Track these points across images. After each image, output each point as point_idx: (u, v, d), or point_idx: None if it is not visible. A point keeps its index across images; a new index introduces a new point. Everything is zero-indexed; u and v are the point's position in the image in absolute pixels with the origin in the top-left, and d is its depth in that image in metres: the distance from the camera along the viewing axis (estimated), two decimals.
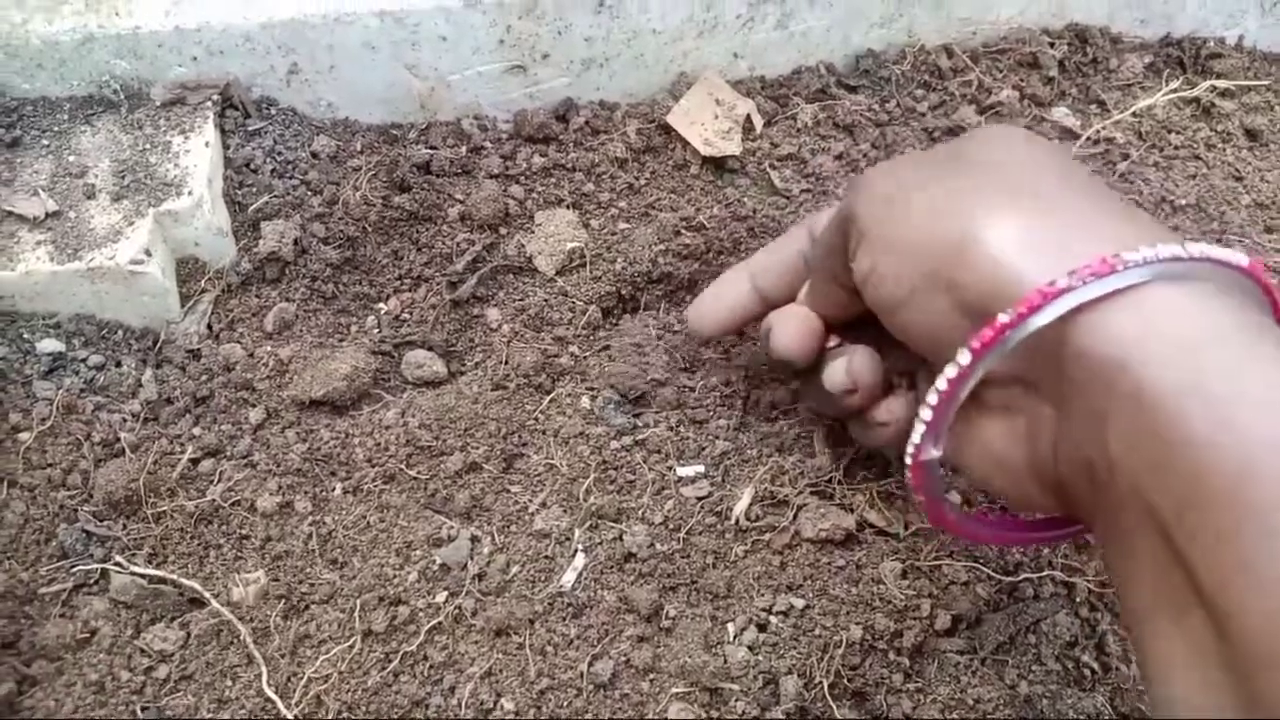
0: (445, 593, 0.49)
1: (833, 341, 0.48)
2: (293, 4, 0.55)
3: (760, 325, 0.49)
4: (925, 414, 0.37)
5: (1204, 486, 0.28)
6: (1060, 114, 0.65)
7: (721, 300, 0.52)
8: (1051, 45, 0.65)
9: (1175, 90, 0.63)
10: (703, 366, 0.56)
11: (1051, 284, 0.32)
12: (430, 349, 0.56)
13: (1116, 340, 0.31)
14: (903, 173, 0.40)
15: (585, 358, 0.56)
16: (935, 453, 0.38)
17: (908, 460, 0.39)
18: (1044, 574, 0.49)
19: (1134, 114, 0.65)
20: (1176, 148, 0.64)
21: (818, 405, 0.51)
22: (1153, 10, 0.67)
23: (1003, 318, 0.33)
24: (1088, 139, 0.64)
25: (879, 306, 0.40)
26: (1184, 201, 0.62)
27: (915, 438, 0.38)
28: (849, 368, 0.45)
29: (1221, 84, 0.66)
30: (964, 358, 0.34)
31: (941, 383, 0.36)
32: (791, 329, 0.47)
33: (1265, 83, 0.68)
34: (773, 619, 0.48)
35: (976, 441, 0.39)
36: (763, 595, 0.48)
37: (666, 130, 0.61)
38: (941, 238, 0.36)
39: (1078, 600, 0.49)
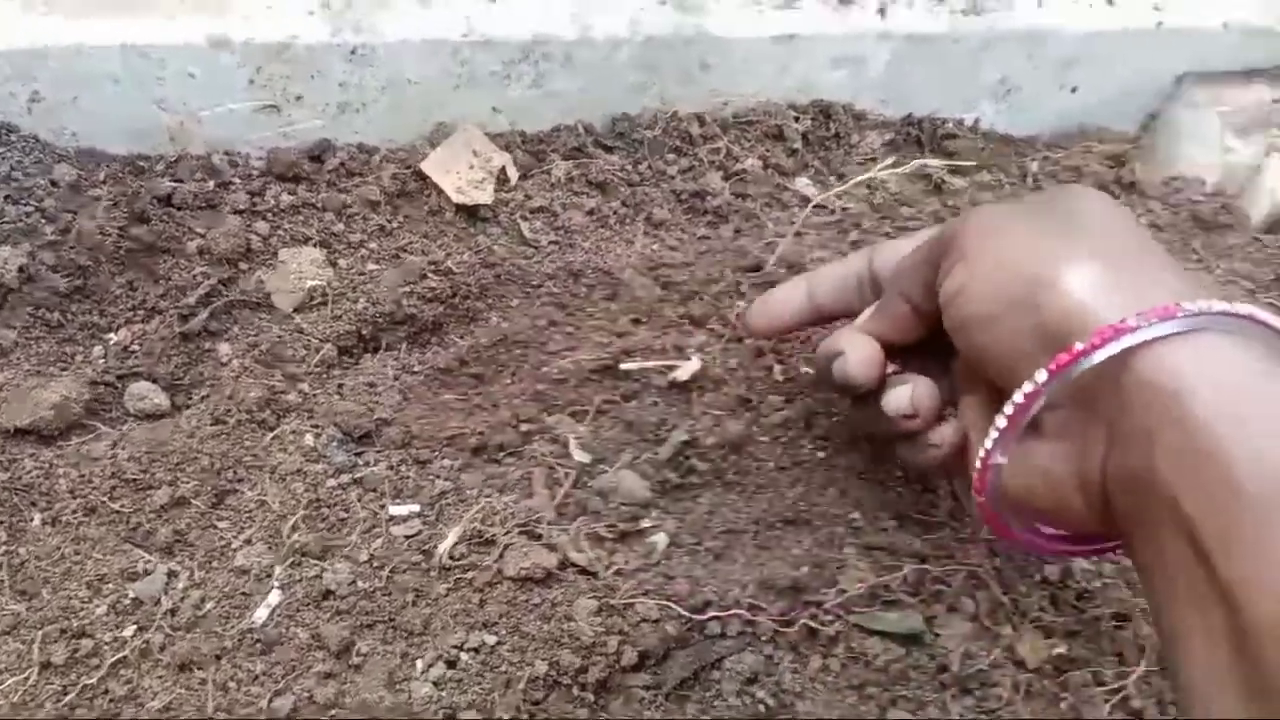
0: (134, 626, 0.49)
1: (890, 368, 0.51)
2: (33, 33, 0.55)
3: (819, 348, 0.53)
4: (1000, 422, 0.42)
5: (1232, 497, 0.34)
6: (802, 184, 0.69)
7: (779, 302, 0.56)
8: (797, 119, 0.70)
9: (895, 165, 0.68)
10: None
11: (1123, 321, 0.37)
12: (154, 381, 0.56)
13: (1172, 373, 0.37)
14: (1006, 212, 0.45)
15: (314, 395, 0.57)
16: (1002, 459, 0.43)
17: (976, 465, 0.43)
18: (731, 613, 0.52)
19: (868, 186, 0.70)
20: (907, 219, 0.69)
21: (871, 426, 0.54)
22: (895, 92, 0.73)
23: (1078, 345, 0.38)
24: (822, 207, 0.68)
25: (962, 322, 0.44)
26: None
27: (987, 443, 0.43)
28: (913, 395, 0.49)
29: (940, 163, 0.71)
30: (1041, 375, 0.39)
31: (1019, 396, 0.40)
32: (864, 354, 0.50)
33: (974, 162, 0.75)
34: (463, 655, 0.49)
35: (1026, 459, 0.43)
36: (456, 632, 0.49)
37: (423, 176, 0.63)
38: (1033, 270, 0.41)
39: (762, 638, 0.52)
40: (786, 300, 0.57)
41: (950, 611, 0.54)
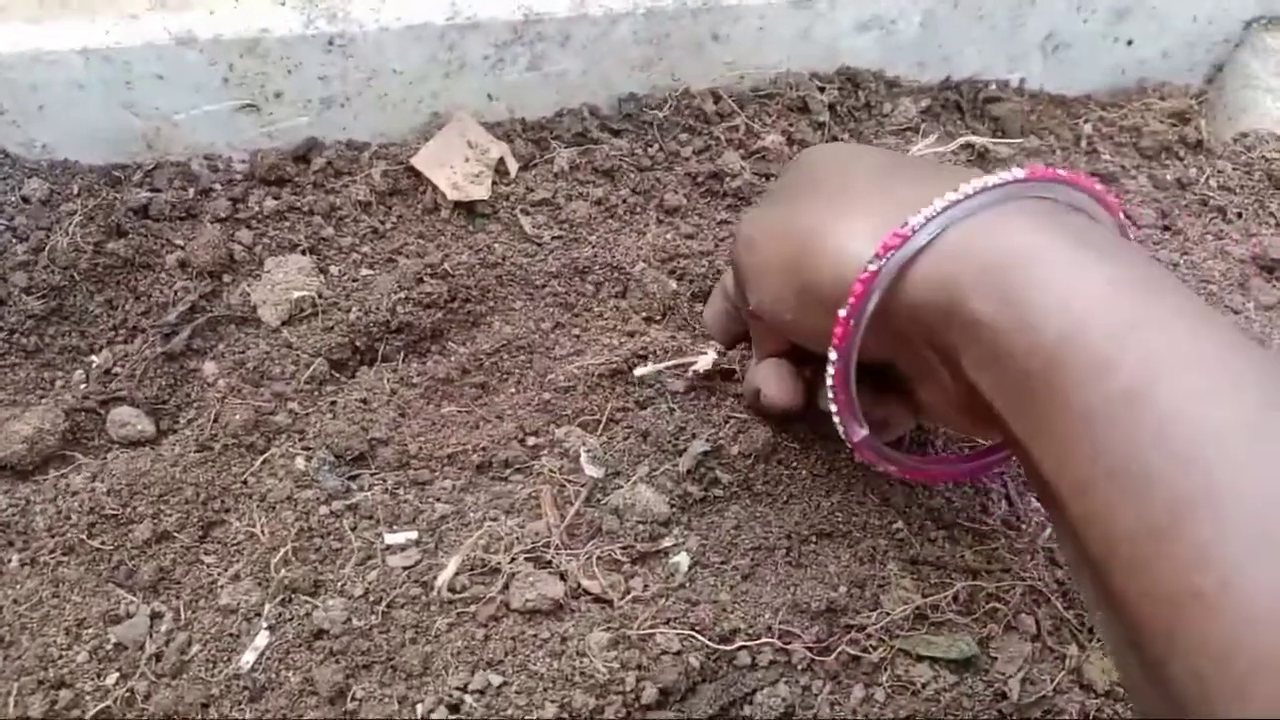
0: (117, 674, 0.45)
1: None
2: None
3: (745, 387, 0.52)
4: (831, 407, 0.42)
5: (1027, 389, 0.33)
6: None
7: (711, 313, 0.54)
8: (822, 90, 0.64)
9: (938, 144, 0.62)
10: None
11: (865, 270, 0.36)
12: (137, 406, 0.52)
13: (938, 289, 0.36)
14: (755, 213, 0.45)
15: (305, 415, 0.53)
16: (863, 431, 0.43)
17: (850, 447, 0.44)
18: (761, 641, 0.47)
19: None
20: None
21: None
22: (930, 54, 0.66)
23: (841, 313, 0.38)
24: None
25: (779, 331, 0.45)
26: None
27: (841, 429, 0.43)
28: (764, 394, 0.49)
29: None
30: (833, 355, 0.39)
31: (828, 380, 0.40)
32: (779, 385, 0.49)
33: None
34: (467, 698, 0.45)
35: (922, 400, 0.44)
36: (459, 672, 0.45)
37: (416, 173, 0.58)
38: (794, 255, 0.41)
39: (797, 668, 0.47)
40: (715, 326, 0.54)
41: (1007, 631, 0.49)
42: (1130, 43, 0.69)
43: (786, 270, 0.41)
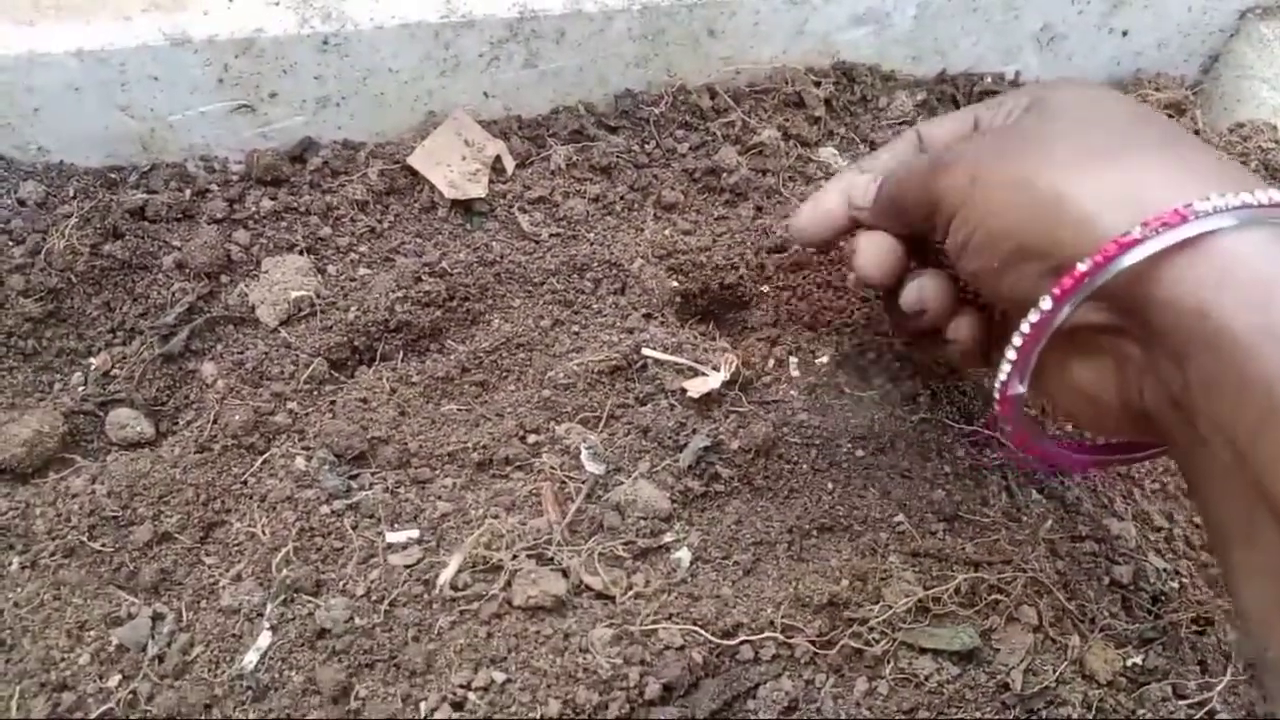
0: (119, 676, 0.45)
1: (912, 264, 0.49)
2: None
3: (847, 248, 0.51)
4: (1010, 354, 0.40)
5: (1272, 419, 0.31)
6: (827, 154, 0.64)
7: (817, 212, 0.52)
8: (817, 84, 0.64)
9: None
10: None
11: (1126, 234, 0.34)
12: (136, 407, 0.52)
13: (1194, 288, 0.33)
14: (978, 151, 0.42)
15: (305, 414, 0.53)
16: (1021, 389, 0.41)
17: (995, 395, 0.42)
18: (764, 635, 0.47)
19: None
20: None
21: (896, 326, 0.53)
22: (924, 47, 0.66)
23: (1081, 267, 0.35)
24: None
25: (977, 276, 0.42)
26: None
27: (1002, 375, 0.41)
28: (920, 291, 0.47)
29: None
30: (1046, 303, 0.37)
31: (1025, 326, 0.38)
32: (875, 251, 0.48)
33: None
34: (470, 695, 0.44)
35: (1067, 378, 0.41)
36: (462, 670, 0.45)
37: (413, 171, 0.58)
38: (1031, 205, 0.38)
39: (800, 662, 0.47)
40: (821, 208, 0.52)
41: (1009, 623, 0.49)
42: (1125, 33, 0.69)
43: (1010, 221, 0.39)
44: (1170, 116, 0.70)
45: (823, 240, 0.52)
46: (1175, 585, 0.50)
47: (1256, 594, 0.34)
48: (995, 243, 0.40)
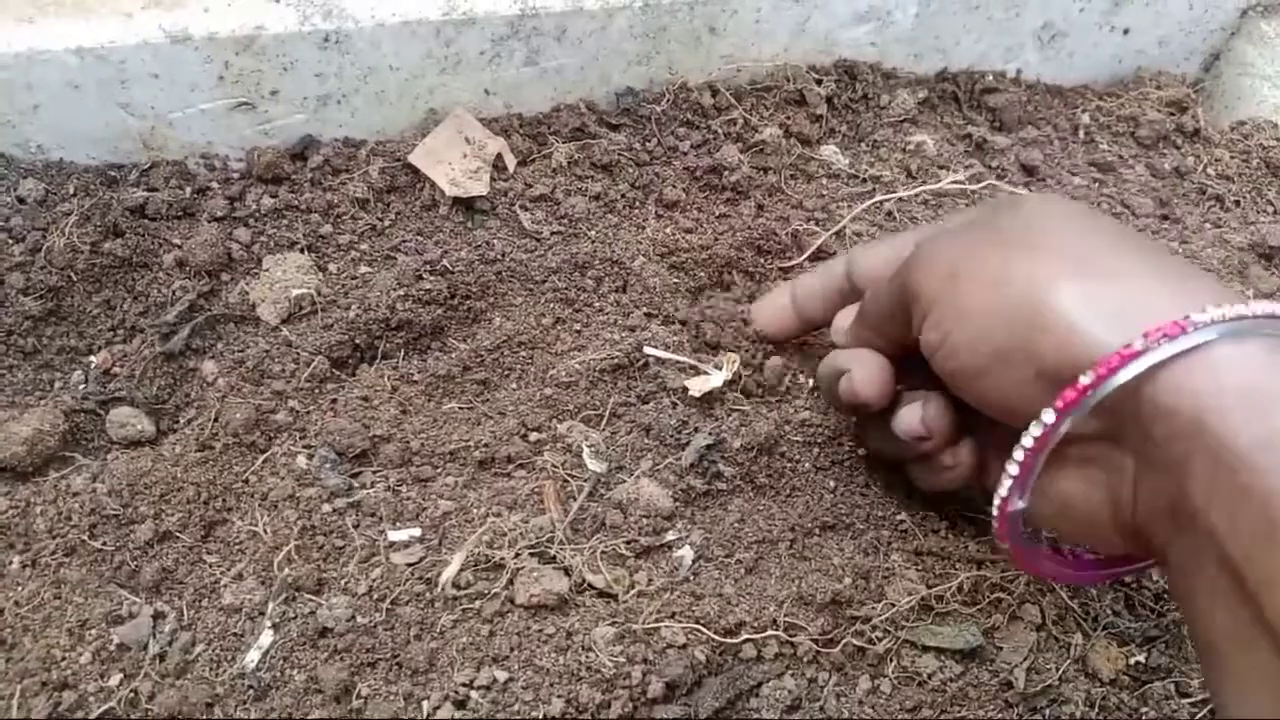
0: (120, 675, 0.45)
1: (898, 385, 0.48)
2: None
3: (823, 365, 0.50)
4: (1012, 469, 0.39)
5: (1269, 533, 0.31)
6: (829, 152, 0.63)
7: (766, 315, 0.56)
8: (819, 82, 0.64)
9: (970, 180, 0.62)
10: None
11: (1128, 347, 0.34)
12: (137, 406, 0.52)
13: (1191, 397, 0.34)
14: (957, 246, 0.42)
15: (307, 413, 0.53)
16: (1020, 504, 0.40)
17: (994, 511, 0.41)
18: (767, 634, 0.47)
19: (903, 150, 0.64)
20: (950, 185, 0.63)
21: (881, 447, 0.51)
22: (926, 45, 0.66)
23: (1084, 380, 0.35)
24: (853, 176, 0.62)
25: (953, 376, 0.41)
26: None
27: (1003, 490, 0.40)
28: (924, 416, 0.46)
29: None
30: (1049, 416, 0.36)
31: (1028, 440, 0.38)
32: (871, 371, 0.47)
33: None
34: (473, 694, 0.44)
35: (1054, 491, 0.40)
36: (465, 669, 0.45)
37: (414, 169, 0.58)
38: (1013, 308, 0.38)
39: (803, 660, 0.47)
40: (773, 313, 0.55)
41: (1012, 621, 0.49)
42: (1127, 31, 0.69)
43: (996, 319, 0.38)
44: (1172, 114, 0.70)
45: (773, 339, 0.56)
46: None
47: (1253, 711, 0.33)
48: (973, 345, 0.39)
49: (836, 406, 0.51)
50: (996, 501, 0.40)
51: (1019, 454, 0.38)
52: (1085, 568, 0.45)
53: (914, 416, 0.46)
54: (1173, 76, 0.72)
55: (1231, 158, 0.67)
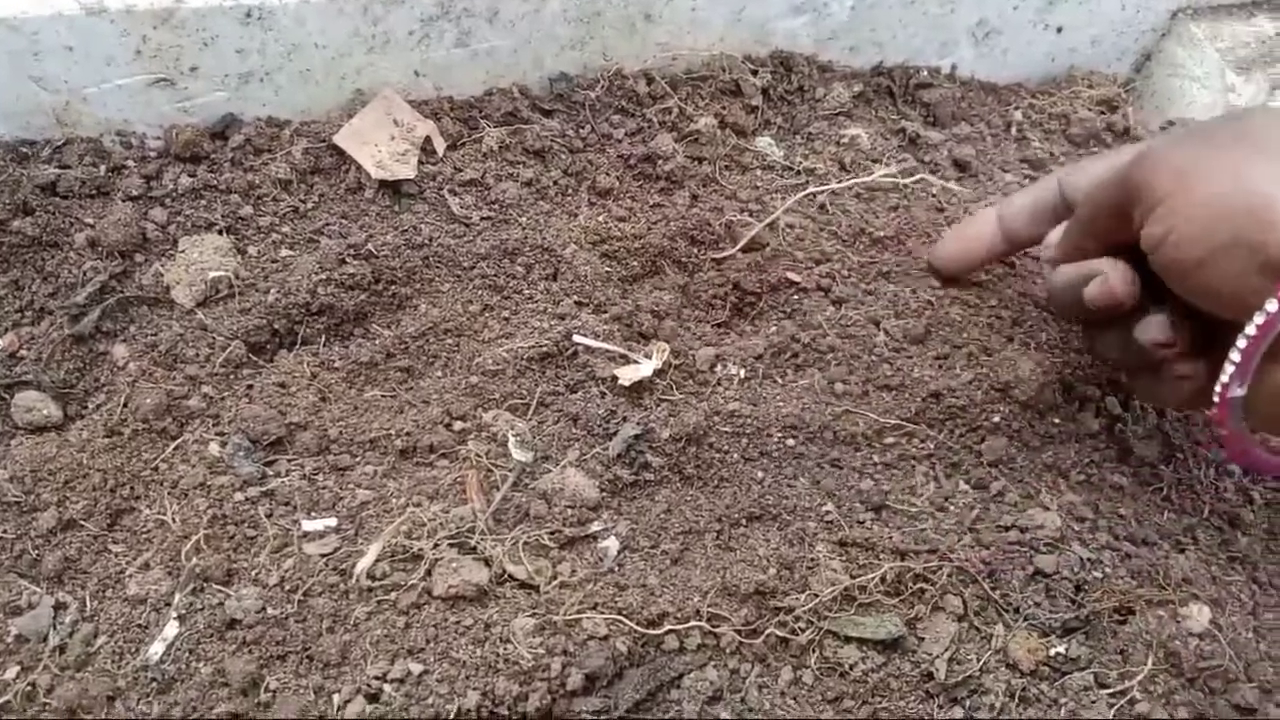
0: (18, 667, 0.43)
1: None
2: None
3: (1059, 274, 0.50)
4: (1235, 355, 0.40)
5: None
6: (764, 143, 0.63)
7: (968, 238, 0.56)
8: (755, 73, 0.63)
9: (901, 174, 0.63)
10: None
11: None
12: (43, 390, 0.50)
13: None
14: (1186, 147, 0.43)
15: (221, 399, 0.51)
16: (1240, 391, 0.41)
17: (1215, 399, 0.42)
18: (690, 625, 0.47)
19: (837, 143, 0.64)
20: (881, 179, 0.63)
21: (1117, 355, 0.51)
22: (861, 39, 0.66)
23: None
24: (788, 168, 0.62)
25: (1175, 267, 0.42)
26: (882, 234, 0.61)
27: (1224, 377, 0.41)
28: (1168, 326, 0.46)
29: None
30: (1272, 305, 0.38)
31: (1251, 328, 0.39)
32: (1126, 273, 0.47)
33: None
34: (386, 687, 0.43)
35: (1270, 382, 0.41)
36: (378, 661, 0.44)
37: (339, 151, 0.57)
38: (1242, 203, 0.39)
39: (726, 651, 0.47)
40: (979, 233, 0.56)
41: (935, 612, 0.49)
42: (1060, 30, 0.70)
43: (1225, 213, 0.39)
44: (1103, 113, 0.70)
45: (968, 266, 0.57)
46: (1098, 575, 0.50)
47: None
48: (1199, 237, 0.40)
49: (1073, 316, 0.53)
50: (1218, 388, 0.42)
51: (1242, 342, 0.40)
52: None
53: (1162, 323, 0.47)
54: (1104, 76, 0.73)
55: None
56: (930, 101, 0.67)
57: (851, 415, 0.54)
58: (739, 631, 0.47)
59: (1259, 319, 0.39)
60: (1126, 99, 0.72)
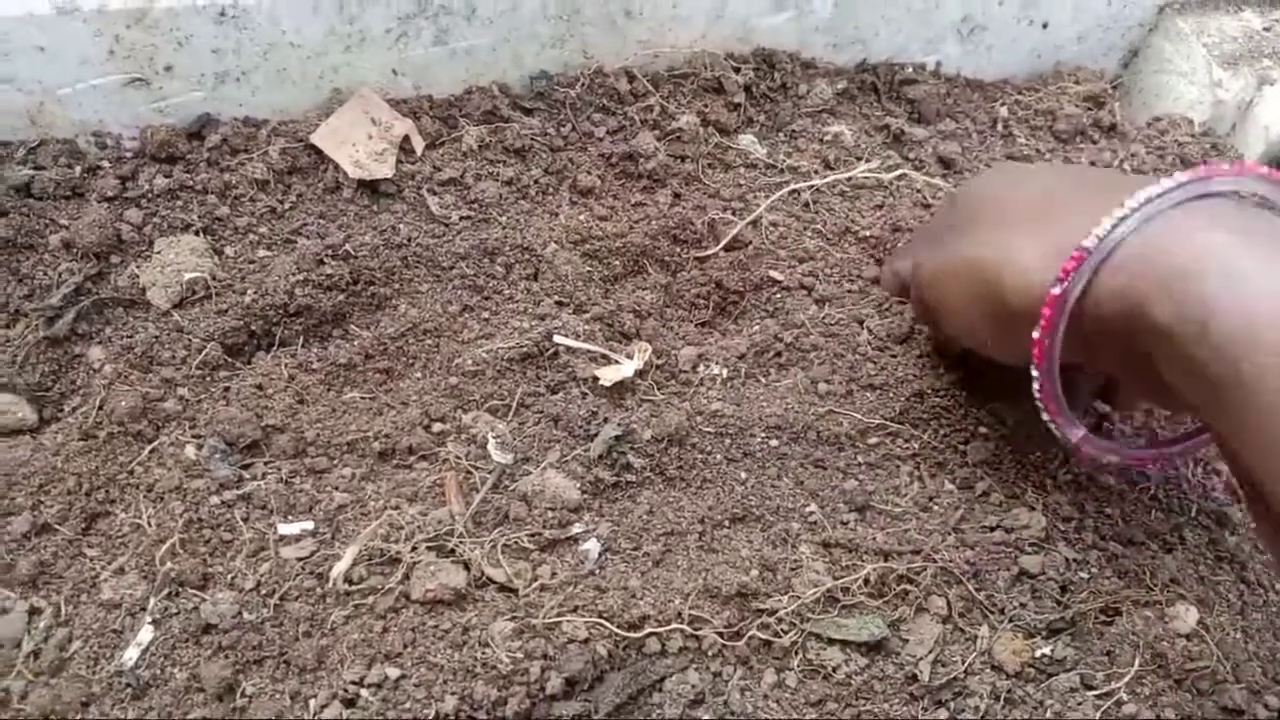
0: None
1: None
2: None
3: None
4: (1044, 417, 0.44)
5: (1220, 392, 0.35)
6: (746, 141, 0.63)
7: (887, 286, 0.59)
8: (737, 70, 0.63)
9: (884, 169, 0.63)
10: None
11: (1049, 294, 0.39)
12: (17, 392, 0.50)
13: (1119, 302, 0.38)
14: (928, 254, 0.49)
15: (197, 401, 0.51)
16: (1079, 431, 0.44)
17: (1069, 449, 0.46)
18: (671, 627, 0.46)
19: (821, 140, 0.63)
20: (864, 177, 0.63)
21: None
22: (845, 35, 0.66)
23: (1035, 334, 0.40)
24: (771, 165, 0.62)
25: (983, 354, 0.48)
26: (867, 233, 0.60)
27: (1059, 435, 0.45)
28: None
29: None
30: (1035, 372, 0.42)
31: (1035, 394, 0.43)
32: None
33: None
34: (363, 692, 0.43)
35: (1128, 393, 0.50)
36: (355, 666, 0.43)
37: (317, 150, 0.56)
38: (973, 293, 0.44)
39: (708, 654, 0.46)
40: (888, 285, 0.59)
41: (919, 613, 0.48)
42: (1045, 26, 0.70)
43: (972, 303, 0.44)
44: (1089, 109, 0.70)
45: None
46: (1084, 575, 0.49)
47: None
48: (971, 324, 0.45)
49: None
50: (1063, 442, 0.45)
51: (1039, 406, 0.43)
52: (1174, 443, 0.48)
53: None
54: (1091, 72, 0.72)
55: (1148, 153, 0.68)
56: (915, 98, 0.67)
57: (835, 415, 0.54)
58: (721, 634, 0.46)
59: (1035, 388, 0.42)
60: (1113, 95, 0.71)
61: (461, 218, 0.57)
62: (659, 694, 0.45)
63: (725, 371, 0.55)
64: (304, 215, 0.56)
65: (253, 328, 0.53)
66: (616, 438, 0.51)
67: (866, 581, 0.48)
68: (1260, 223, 0.37)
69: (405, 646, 0.44)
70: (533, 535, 0.48)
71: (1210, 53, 0.70)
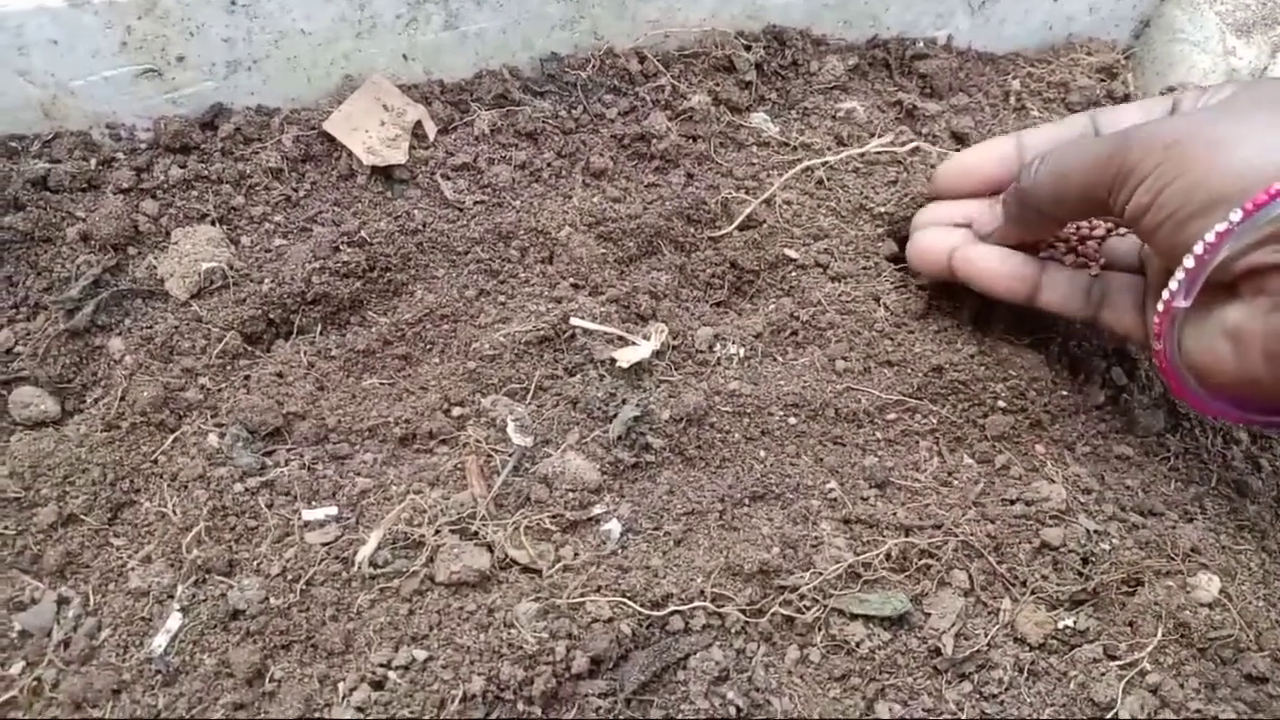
0: (22, 662, 0.43)
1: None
2: None
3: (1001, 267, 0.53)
4: (1189, 261, 0.43)
5: None
6: (758, 119, 0.62)
7: (982, 154, 0.57)
8: (748, 48, 0.63)
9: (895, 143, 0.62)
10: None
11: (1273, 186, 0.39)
12: (40, 385, 0.50)
13: None
14: (1185, 122, 0.46)
15: (218, 390, 0.51)
16: (1184, 303, 0.44)
17: (1159, 306, 0.45)
18: (694, 605, 0.46)
19: (833, 117, 0.63)
20: (878, 153, 0.63)
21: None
22: (856, 11, 0.65)
23: (1261, 197, 0.40)
24: (784, 143, 0.62)
25: (1153, 230, 0.45)
26: (882, 209, 0.60)
27: (1172, 285, 0.44)
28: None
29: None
30: (1235, 215, 0.41)
31: (1199, 247, 0.42)
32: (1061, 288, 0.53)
33: None
34: (390, 674, 0.43)
35: (1210, 326, 0.45)
36: (382, 649, 0.44)
37: (330, 138, 0.56)
38: (1220, 163, 0.43)
39: (731, 631, 0.46)
40: (989, 152, 0.57)
41: (941, 587, 0.49)
42: None
43: (1211, 173, 0.43)
44: (1102, 80, 0.70)
45: (971, 185, 0.57)
46: (1105, 546, 0.49)
47: None
48: (1189, 194, 0.43)
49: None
50: (1164, 296, 0.45)
51: (1199, 247, 0.42)
52: (1226, 404, 0.47)
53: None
54: (1103, 43, 0.72)
55: None
56: (927, 73, 0.67)
57: (853, 392, 0.54)
58: (744, 611, 0.47)
59: (1220, 225, 0.42)
60: (1126, 66, 0.71)
61: (475, 202, 0.57)
62: (684, 671, 0.46)
63: (742, 351, 0.55)
64: (319, 203, 0.56)
65: (271, 316, 0.53)
66: (635, 418, 0.51)
67: (888, 556, 0.48)
68: None
69: (431, 629, 0.44)
70: (554, 517, 0.49)
71: (1223, 20, 0.69)
